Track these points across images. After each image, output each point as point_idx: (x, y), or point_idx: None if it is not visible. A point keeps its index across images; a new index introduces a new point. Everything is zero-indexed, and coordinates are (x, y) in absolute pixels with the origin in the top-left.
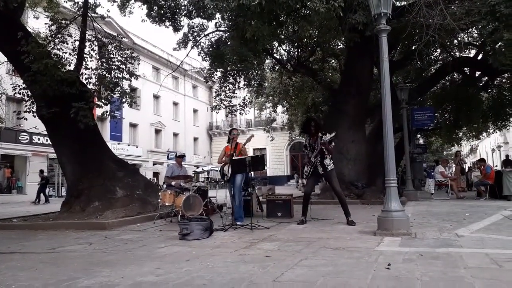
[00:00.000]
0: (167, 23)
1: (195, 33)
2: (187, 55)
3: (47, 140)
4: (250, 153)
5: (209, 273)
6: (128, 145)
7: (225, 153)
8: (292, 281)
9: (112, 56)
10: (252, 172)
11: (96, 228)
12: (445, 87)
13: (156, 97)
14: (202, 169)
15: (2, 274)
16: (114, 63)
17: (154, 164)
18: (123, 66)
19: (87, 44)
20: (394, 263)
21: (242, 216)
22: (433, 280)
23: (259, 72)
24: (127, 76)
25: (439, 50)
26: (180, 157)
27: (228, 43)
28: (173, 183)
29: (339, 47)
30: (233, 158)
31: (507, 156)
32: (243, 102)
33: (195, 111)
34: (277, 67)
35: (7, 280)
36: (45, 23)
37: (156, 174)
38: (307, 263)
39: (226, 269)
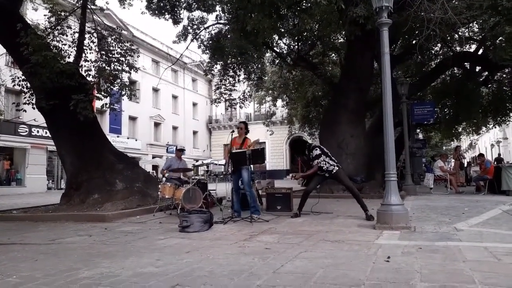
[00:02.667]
0: (167, 16)
1: (195, 26)
2: (187, 48)
3: (46, 133)
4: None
5: (209, 264)
6: (128, 138)
7: (232, 147)
8: (292, 272)
9: (111, 48)
10: (252, 166)
11: (95, 220)
12: (446, 82)
13: (155, 90)
14: (202, 162)
15: (3, 265)
16: (113, 56)
17: (153, 157)
18: (123, 59)
19: (87, 36)
20: (394, 256)
21: (259, 209)
22: (432, 273)
23: (259, 65)
24: (127, 69)
25: (439, 45)
26: (180, 151)
27: (228, 36)
28: (166, 174)
29: (339, 41)
30: (233, 151)
31: (499, 154)
32: (243, 96)
33: (194, 104)
34: (277, 61)
35: (8, 271)
36: (44, 15)
37: (155, 167)
38: (307, 255)
39: (226, 260)
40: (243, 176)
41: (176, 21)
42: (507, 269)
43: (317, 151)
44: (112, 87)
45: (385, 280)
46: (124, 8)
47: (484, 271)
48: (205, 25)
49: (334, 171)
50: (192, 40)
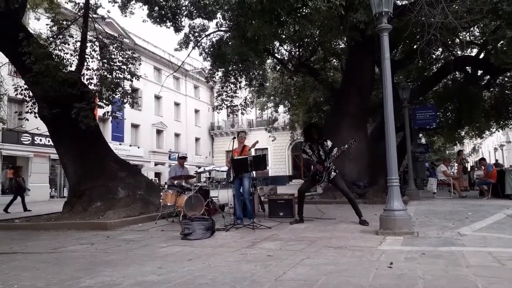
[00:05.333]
0: (168, 24)
1: (196, 34)
2: (188, 55)
3: (49, 141)
4: (252, 153)
5: (211, 272)
6: (130, 145)
7: (233, 155)
8: (294, 280)
9: (113, 56)
10: (254, 172)
11: (98, 228)
12: (447, 86)
13: (157, 97)
14: (204, 169)
15: (5, 274)
16: (115, 64)
17: (155, 164)
18: (124, 67)
19: (88, 44)
20: (396, 262)
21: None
22: (436, 279)
23: (261, 72)
24: (128, 77)
25: (440, 49)
26: (182, 159)
27: (229, 43)
28: (175, 182)
29: (340, 46)
30: (235, 158)
31: (496, 160)
32: (244, 102)
33: (196, 111)
34: (279, 67)
35: (10, 280)
36: (46, 24)
37: (158, 175)
38: (309, 262)
39: (228, 268)
40: (244, 184)
41: (177, 29)
42: (511, 274)
43: (329, 142)
44: (114, 95)
45: (388, 286)
46: (125, 16)
47: (488, 276)
48: (206, 33)
49: (331, 176)
50: (193, 48)
